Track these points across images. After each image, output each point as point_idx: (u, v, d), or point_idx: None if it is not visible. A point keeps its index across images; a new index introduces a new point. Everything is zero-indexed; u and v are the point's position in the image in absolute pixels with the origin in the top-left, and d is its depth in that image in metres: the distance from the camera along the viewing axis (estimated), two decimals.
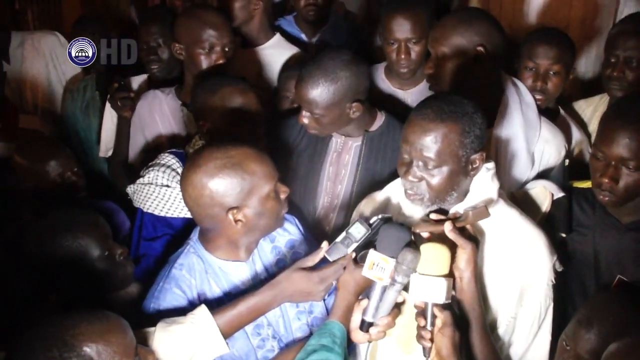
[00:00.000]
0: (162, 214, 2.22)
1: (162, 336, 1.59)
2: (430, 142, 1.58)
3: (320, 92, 2.10)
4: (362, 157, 2.25)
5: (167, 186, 2.21)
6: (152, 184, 2.23)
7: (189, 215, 2.06)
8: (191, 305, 1.73)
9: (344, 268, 1.68)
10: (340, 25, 3.39)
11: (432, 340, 1.54)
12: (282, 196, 1.74)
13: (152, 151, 2.55)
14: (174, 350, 1.59)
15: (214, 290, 1.77)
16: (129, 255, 1.95)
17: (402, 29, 2.50)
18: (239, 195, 1.67)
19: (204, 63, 2.50)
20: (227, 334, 1.65)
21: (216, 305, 1.68)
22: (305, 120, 2.17)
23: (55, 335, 1.31)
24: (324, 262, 1.71)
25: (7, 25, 3.52)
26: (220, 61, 2.50)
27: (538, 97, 2.45)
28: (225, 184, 1.66)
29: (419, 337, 1.55)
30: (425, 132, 1.58)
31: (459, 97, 1.64)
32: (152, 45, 2.80)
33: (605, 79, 2.51)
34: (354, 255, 1.68)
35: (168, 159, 2.26)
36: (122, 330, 1.39)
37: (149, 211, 2.23)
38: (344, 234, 1.69)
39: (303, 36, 3.27)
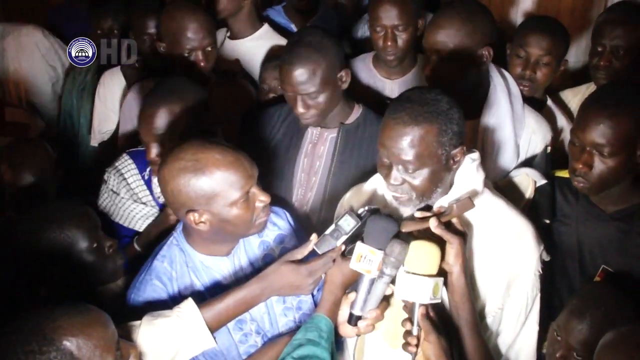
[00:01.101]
0: (108, 214, 2.22)
1: (147, 330, 1.58)
2: (407, 146, 1.55)
3: (312, 67, 2.05)
4: (337, 149, 2.20)
5: (116, 193, 2.19)
6: (106, 182, 2.22)
7: (126, 224, 2.15)
8: (171, 298, 1.71)
9: (333, 261, 1.67)
10: (329, 15, 3.38)
11: (417, 345, 1.52)
12: (259, 204, 1.67)
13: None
14: (159, 344, 1.58)
15: (195, 283, 1.75)
16: (118, 248, 1.93)
17: (388, 15, 2.47)
18: (199, 199, 1.61)
19: (185, 64, 2.45)
20: (213, 328, 1.64)
21: (197, 299, 1.66)
22: (302, 110, 2.10)
23: (34, 329, 1.29)
24: (312, 254, 1.69)
25: None
26: (202, 64, 2.44)
27: (525, 84, 2.42)
28: (186, 186, 1.61)
29: (406, 346, 1.53)
30: (401, 136, 1.55)
31: (434, 93, 1.59)
32: (156, 38, 2.68)
33: (592, 68, 2.50)
34: (343, 247, 1.66)
35: (122, 160, 2.22)
36: (103, 324, 1.37)
37: (100, 208, 2.23)
38: (333, 226, 1.67)
39: (292, 26, 3.25)
